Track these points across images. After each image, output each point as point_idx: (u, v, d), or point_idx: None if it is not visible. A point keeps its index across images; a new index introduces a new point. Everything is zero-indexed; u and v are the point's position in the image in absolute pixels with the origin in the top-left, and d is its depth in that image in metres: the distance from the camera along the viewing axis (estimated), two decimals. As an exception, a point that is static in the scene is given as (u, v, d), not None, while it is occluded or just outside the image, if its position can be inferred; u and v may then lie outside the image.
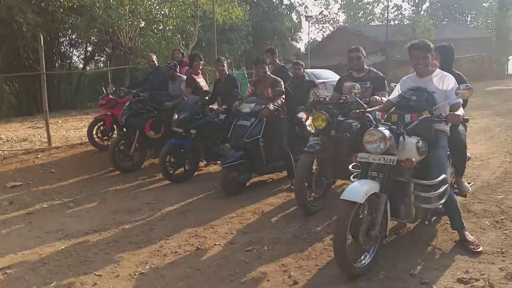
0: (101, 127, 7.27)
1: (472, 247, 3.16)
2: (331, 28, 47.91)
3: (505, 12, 34.27)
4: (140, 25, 16.55)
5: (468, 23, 45.53)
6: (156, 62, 7.29)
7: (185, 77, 6.52)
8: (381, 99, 4.01)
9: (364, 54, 4.44)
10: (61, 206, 4.77)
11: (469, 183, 3.94)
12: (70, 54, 21.39)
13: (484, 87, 20.30)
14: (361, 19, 48.78)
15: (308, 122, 5.83)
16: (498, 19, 35.68)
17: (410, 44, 3.34)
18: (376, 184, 2.91)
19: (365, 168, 3.08)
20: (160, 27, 17.74)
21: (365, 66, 4.50)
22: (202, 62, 6.64)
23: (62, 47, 20.17)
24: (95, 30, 16.00)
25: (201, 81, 6.55)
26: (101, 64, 21.67)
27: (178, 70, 6.61)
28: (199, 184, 5.46)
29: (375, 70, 4.55)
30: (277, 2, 28.85)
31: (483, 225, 3.63)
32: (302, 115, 5.61)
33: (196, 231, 3.79)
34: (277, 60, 6.04)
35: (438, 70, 3.37)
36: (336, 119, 4.05)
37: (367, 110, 3.48)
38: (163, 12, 17.78)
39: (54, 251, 3.50)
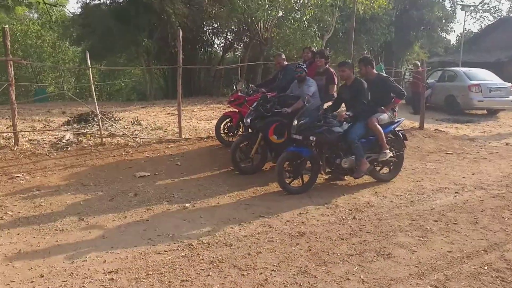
0: (229, 123, 7.27)
1: None
2: (491, 18, 41.56)
3: None
4: (278, 15, 16.49)
5: None
6: (285, 61, 6.96)
7: (313, 81, 6.02)
8: None
9: None
10: (179, 205, 4.80)
11: None
12: (212, 42, 22.72)
13: None
14: (532, 8, 41.18)
15: None
16: None
17: None
18: None
19: None
20: (297, 17, 17.43)
21: None
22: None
23: (205, 35, 21.47)
24: (235, 19, 16.52)
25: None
26: (238, 53, 22.48)
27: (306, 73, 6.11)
28: (316, 199, 4.97)
29: None
30: (429, -12, 25.84)
31: None
32: None
33: (306, 267, 3.30)
34: (374, 70, 5.63)
35: None
36: None
37: None
38: (301, 1, 17.41)
39: (160, 261, 3.41)
